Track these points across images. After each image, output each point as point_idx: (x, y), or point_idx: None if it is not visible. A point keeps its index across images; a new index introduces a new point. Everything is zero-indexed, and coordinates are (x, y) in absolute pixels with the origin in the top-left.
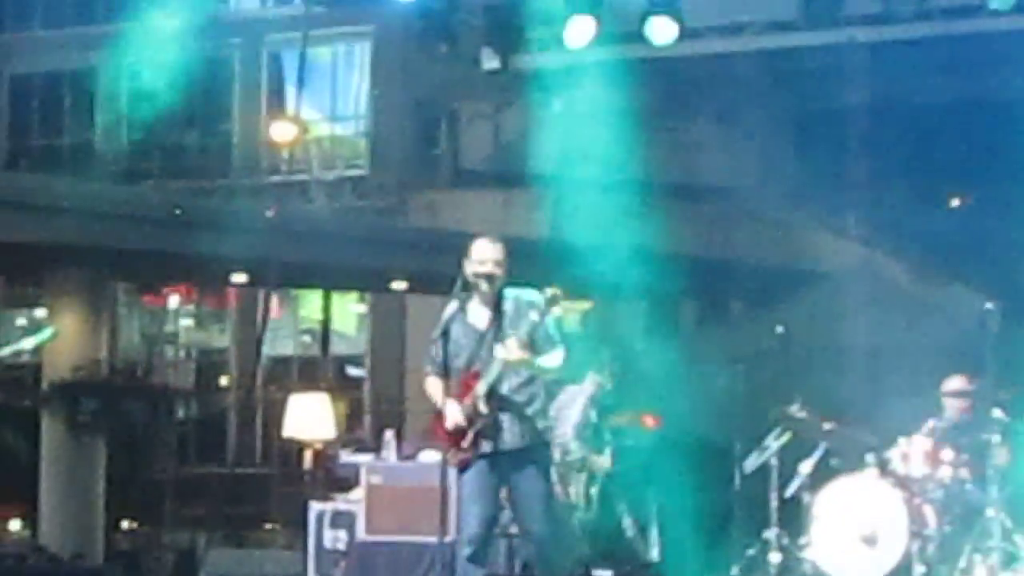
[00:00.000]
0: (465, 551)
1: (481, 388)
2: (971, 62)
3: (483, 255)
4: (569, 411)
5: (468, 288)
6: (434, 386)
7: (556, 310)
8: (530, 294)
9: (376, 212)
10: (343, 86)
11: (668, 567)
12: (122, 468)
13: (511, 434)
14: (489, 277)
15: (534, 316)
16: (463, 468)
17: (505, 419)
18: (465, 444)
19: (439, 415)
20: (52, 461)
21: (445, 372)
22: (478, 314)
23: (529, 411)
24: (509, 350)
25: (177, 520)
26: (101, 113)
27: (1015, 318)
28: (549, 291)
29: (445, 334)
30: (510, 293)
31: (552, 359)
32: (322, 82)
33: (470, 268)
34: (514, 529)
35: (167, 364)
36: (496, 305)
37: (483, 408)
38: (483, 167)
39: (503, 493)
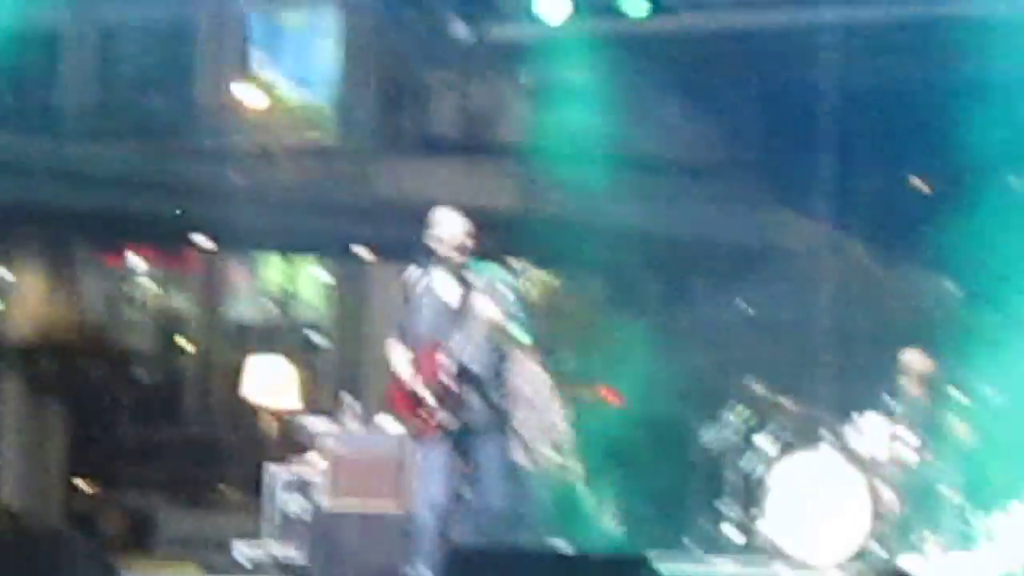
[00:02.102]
0: (430, 521)
1: (451, 366)
2: (944, 45)
3: (434, 220)
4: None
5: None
6: (396, 351)
7: (523, 281)
8: (495, 270)
9: (341, 179)
10: (310, 52)
11: (625, 540)
12: (80, 430)
13: (478, 414)
14: (438, 241)
15: (505, 291)
16: (426, 438)
17: (473, 398)
18: (426, 416)
19: (398, 383)
20: (10, 423)
21: (406, 339)
22: (446, 288)
23: (497, 391)
24: (486, 310)
25: (135, 482)
26: (66, 73)
27: (974, 299)
28: (516, 264)
29: (407, 300)
30: (480, 269)
31: (517, 328)
32: (289, 48)
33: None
34: (467, 495)
35: (127, 326)
36: (464, 280)
37: (453, 387)
38: (450, 137)
39: (465, 466)
